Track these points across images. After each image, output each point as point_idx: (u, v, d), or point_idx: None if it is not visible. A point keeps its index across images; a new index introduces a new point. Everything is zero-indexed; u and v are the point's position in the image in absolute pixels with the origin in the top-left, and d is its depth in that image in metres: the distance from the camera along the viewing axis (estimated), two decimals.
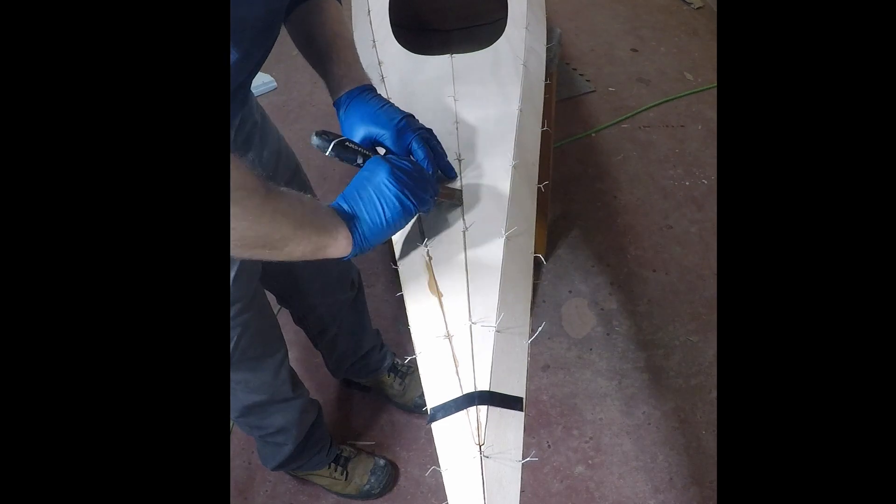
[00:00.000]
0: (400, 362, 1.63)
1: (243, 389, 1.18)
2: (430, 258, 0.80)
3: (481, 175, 0.90)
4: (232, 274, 1.00)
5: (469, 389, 0.67)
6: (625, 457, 1.50)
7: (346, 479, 1.46)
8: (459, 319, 0.73)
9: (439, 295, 0.76)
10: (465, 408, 0.66)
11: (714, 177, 2.10)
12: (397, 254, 0.84)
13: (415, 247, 0.83)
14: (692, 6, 2.87)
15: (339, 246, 0.73)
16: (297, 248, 0.71)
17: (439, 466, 0.65)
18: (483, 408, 0.65)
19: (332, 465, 1.46)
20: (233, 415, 1.25)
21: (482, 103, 1.01)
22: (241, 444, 1.58)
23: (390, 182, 0.74)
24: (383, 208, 0.74)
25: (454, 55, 1.11)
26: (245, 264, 1.03)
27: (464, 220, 0.83)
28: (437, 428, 0.67)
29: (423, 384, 0.71)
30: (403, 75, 1.10)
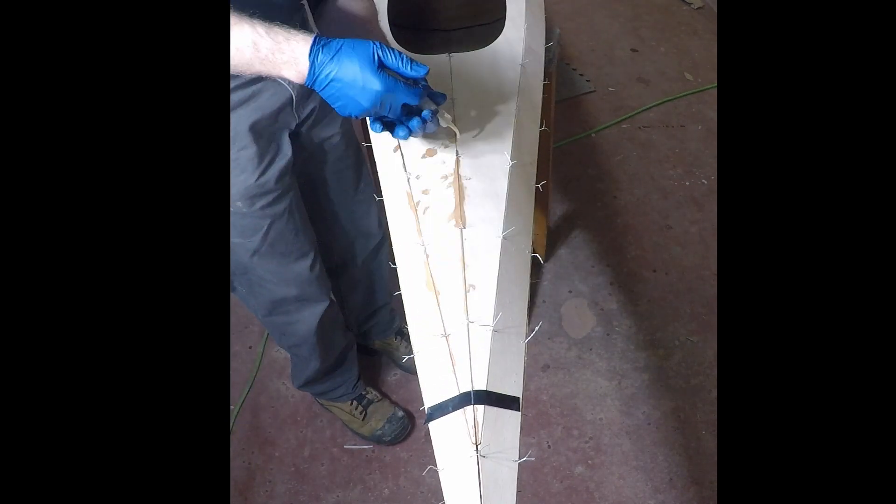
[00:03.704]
0: (407, 327, 1.64)
1: (271, 281, 1.20)
2: (428, 256, 0.80)
3: (479, 174, 0.90)
4: (270, 161, 1.03)
5: (466, 388, 0.67)
6: (625, 457, 1.50)
7: (363, 420, 1.56)
8: (457, 319, 0.73)
9: (437, 293, 0.76)
10: (462, 407, 0.66)
11: (714, 177, 2.10)
12: (396, 253, 0.84)
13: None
14: (692, 6, 2.87)
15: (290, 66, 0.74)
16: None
17: (436, 466, 0.65)
18: (480, 407, 0.65)
19: (355, 402, 1.56)
20: (260, 313, 1.28)
21: (480, 102, 1.01)
22: (241, 444, 1.58)
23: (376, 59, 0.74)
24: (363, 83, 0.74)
25: (452, 54, 1.11)
26: (282, 154, 1.05)
27: (462, 219, 0.83)
28: (435, 427, 0.67)
29: (420, 383, 0.71)
30: None
